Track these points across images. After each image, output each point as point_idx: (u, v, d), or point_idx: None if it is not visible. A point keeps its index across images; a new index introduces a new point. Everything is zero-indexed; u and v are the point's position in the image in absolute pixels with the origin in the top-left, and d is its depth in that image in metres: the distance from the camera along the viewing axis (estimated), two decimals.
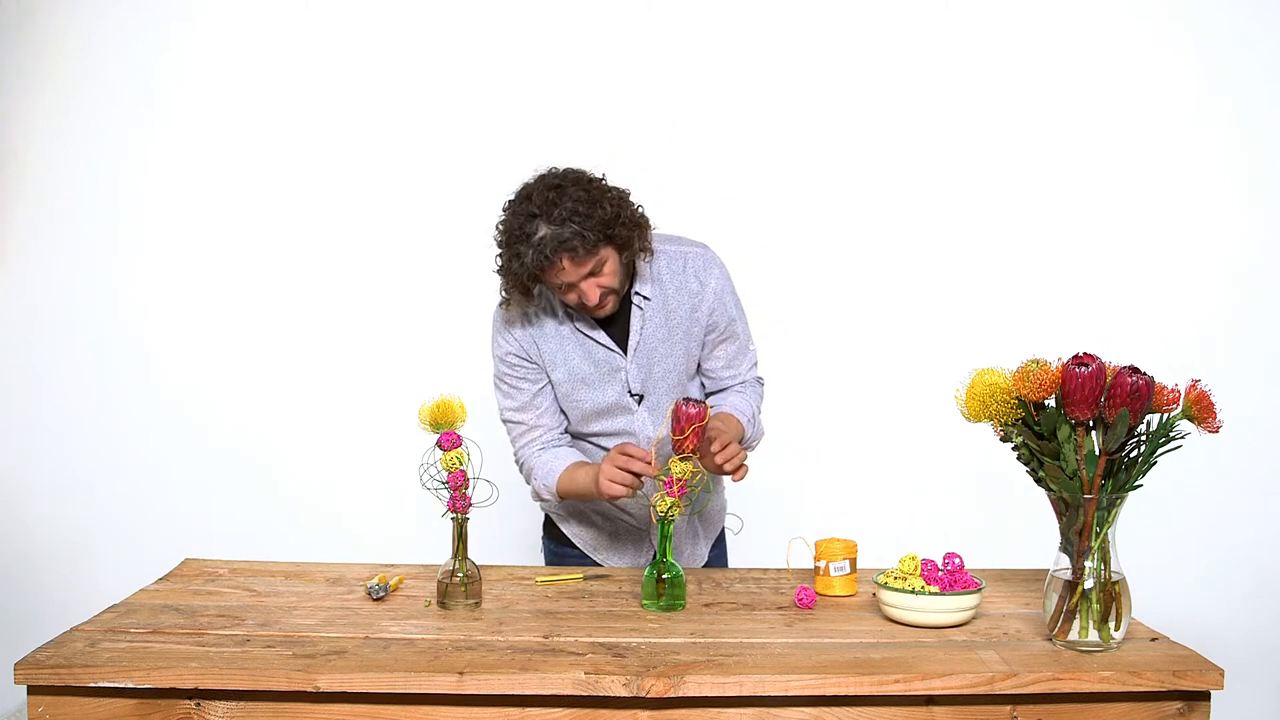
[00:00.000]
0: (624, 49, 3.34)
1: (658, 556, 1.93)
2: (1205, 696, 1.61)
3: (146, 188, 3.41)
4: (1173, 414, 1.67)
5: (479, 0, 3.36)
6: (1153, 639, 1.75)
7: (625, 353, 2.15)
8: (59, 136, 3.39)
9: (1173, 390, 1.67)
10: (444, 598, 1.92)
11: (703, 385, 2.30)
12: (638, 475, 1.97)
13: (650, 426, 2.18)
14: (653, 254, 2.11)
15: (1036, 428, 1.69)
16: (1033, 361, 1.67)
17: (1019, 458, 1.74)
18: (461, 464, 1.92)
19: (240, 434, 3.41)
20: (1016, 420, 1.69)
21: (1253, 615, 3.23)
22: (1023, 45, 3.29)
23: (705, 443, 1.95)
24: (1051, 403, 1.68)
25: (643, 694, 1.57)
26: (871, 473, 3.34)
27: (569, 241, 1.93)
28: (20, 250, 3.41)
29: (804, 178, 3.36)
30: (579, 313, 2.12)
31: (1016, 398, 1.67)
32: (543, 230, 1.94)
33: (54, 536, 3.42)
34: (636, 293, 2.13)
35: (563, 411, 2.23)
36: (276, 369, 3.42)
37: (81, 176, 3.40)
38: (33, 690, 1.61)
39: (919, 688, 1.58)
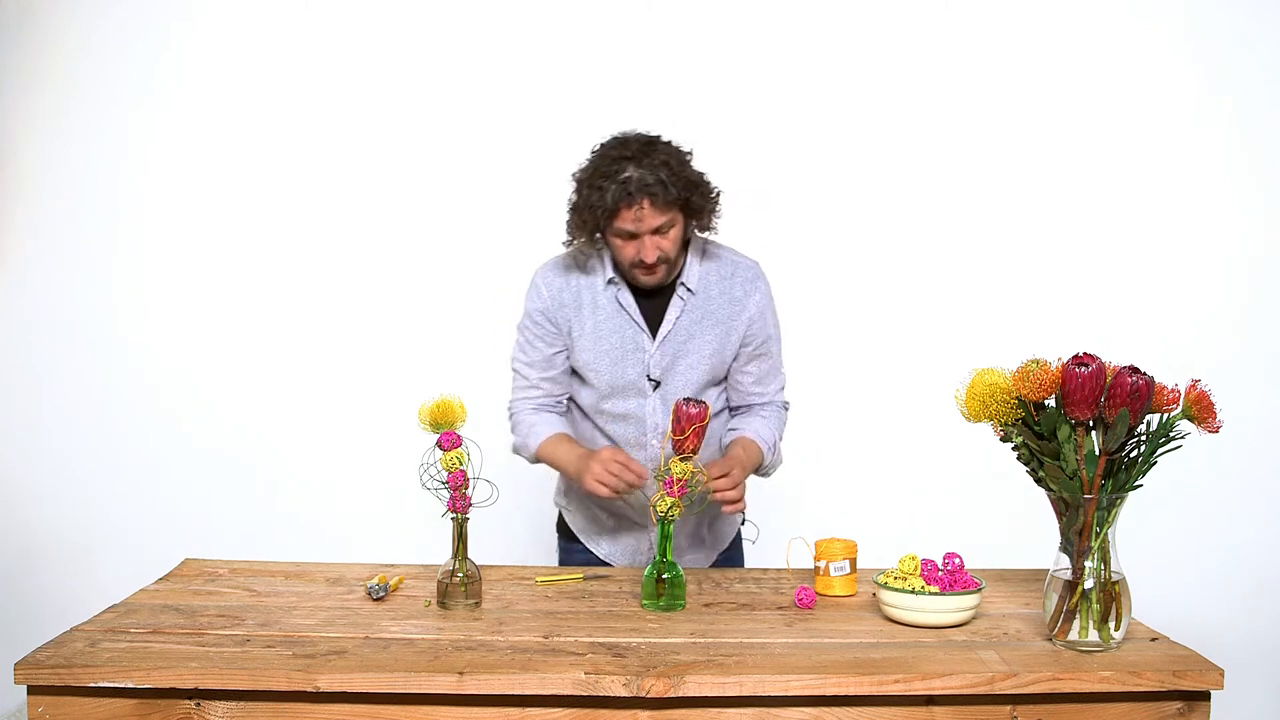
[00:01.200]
0: (624, 49, 3.34)
1: (657, 556, 1.93)
2: (1205, 696, 1.61)
3: (146, 188, 3.41)
4: (1173, 414, 1.67)
5: (479, 1, 3.36)
6: (1153, 639, 1.75)
7: (654, 336, 2.18)
8: (59, 136, 3.39)
9: (1173, 390, 1.67)
10: (444, 598, 1.92)
11: (726, 398, 2.30)
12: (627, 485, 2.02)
13: (660, 414, 2.19)
14: (710, 238, 2.19)
15: (1036, 428, 1.69)
16: (1033, 361, 1.67)
17: (1019, 458, 1.74)
18: (461, 464, 1.92)
19: (240, 434, 3.41)
20: (1016, 420, 1.69)
21: (1253, 615, 3.23)
22: (1023, 46, 3.29)
23: (726, 463, 2.01)
24: (1051, 403, 1.68)
25: (643, 694, 1.57)
26: (871, 473, 3.33)
27: (653, 186, 2.00)
28: (20, 250, 3.41)
29: (804, 178, 3.36)
30: (625, 281, 2.16)
31: (1016, 398, 1.67)
32: (631, 171, 2.01)
33: (54, 536, 3.42)
34: (682, 283, 2.17)
35: (576, 379, 2.25)
36: (277, 369, 3.42)
37: (81, 176, 3.40)
38: (33, 690, 1.61)
39: (919, 688, 1.58)
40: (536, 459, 2.25)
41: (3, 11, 3.36)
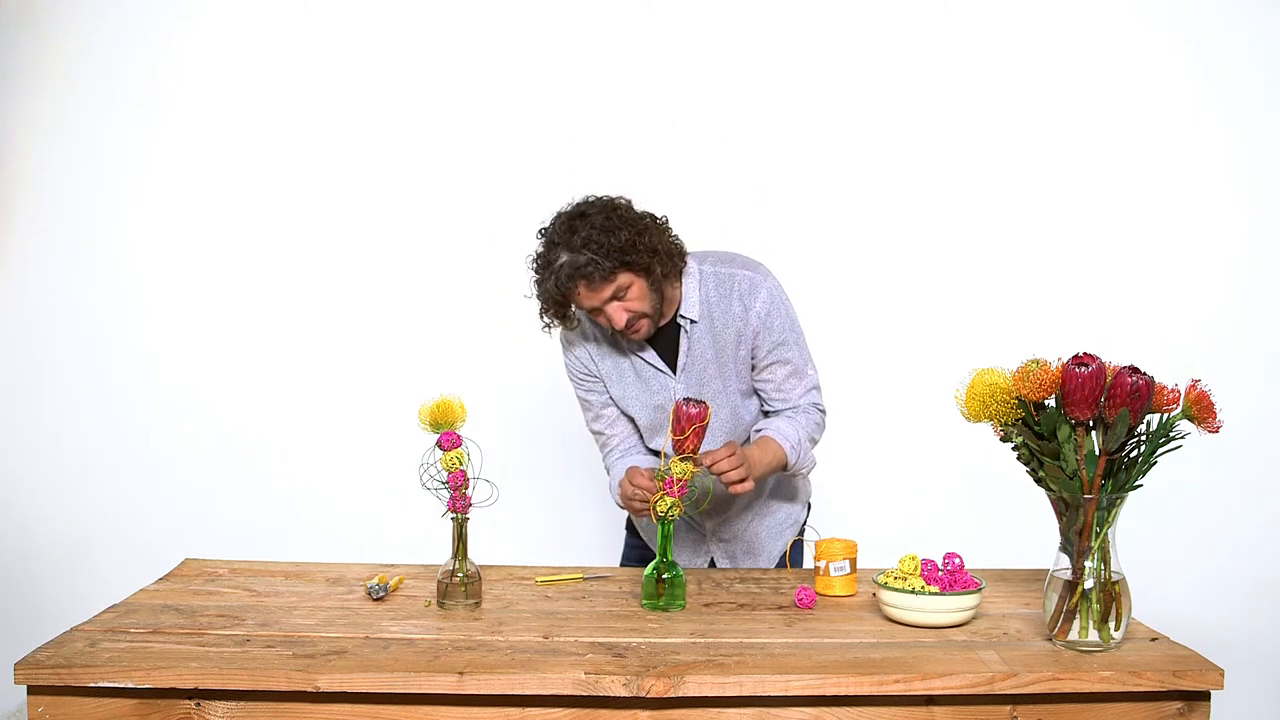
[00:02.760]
0: (624, 49, 3.34)
1: (658, 556, 1.93)
2: (1205, 696, 1.61)
3: (146, 188, 3.41)
4: (1173, 414, 1.67)
5: (479, 1, 3.36)
6: (1153, 639, 1.75)
7: (675, 372, 2.19)
8: (59, 136, 3.39)
9: (1173, 390, 1.67)
10: (444, 598, 1.92)
11: (762, 410, 2.31)
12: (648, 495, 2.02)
13: (707, 443, 2.13)
14: (682, 278, 2.16)
15: (1036, 428, 1.69)
16: (1033, 361, 1.67)
17: (1019, 458, 1.74)
18: (461, 464, 1.92)
19: (240, 434, 3.41)
20: (1016, 420, 1.69)
21: (1253, 615, 3.23)
22: (1022, 46, 3.29)
23: (728, 445, 2.01)
24: (1051, 403, 1.68)
25: (643, 694, 1.57)
26: (871, 473, 3.33)
27: (584, 268, 1.99)
28: (21, 250, 3.41)
29: (804, 178, 3.36)
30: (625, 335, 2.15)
31: (1016, 398, 1.67)
32: (563, 257, 2.01)
33: (54, 536, 3.42)
34: (683, 315, 2.17)
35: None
36: (277, 369, 3.42)
37: (81, 176, 3.40)
38: (33, 690, 1.61)
39: (919, 688, 1.58)
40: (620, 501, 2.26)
41: (3, 11, 3.36)
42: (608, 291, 2.03)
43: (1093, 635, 1.68)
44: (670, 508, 1.90)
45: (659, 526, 1.93)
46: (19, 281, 3.42)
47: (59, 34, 3.38)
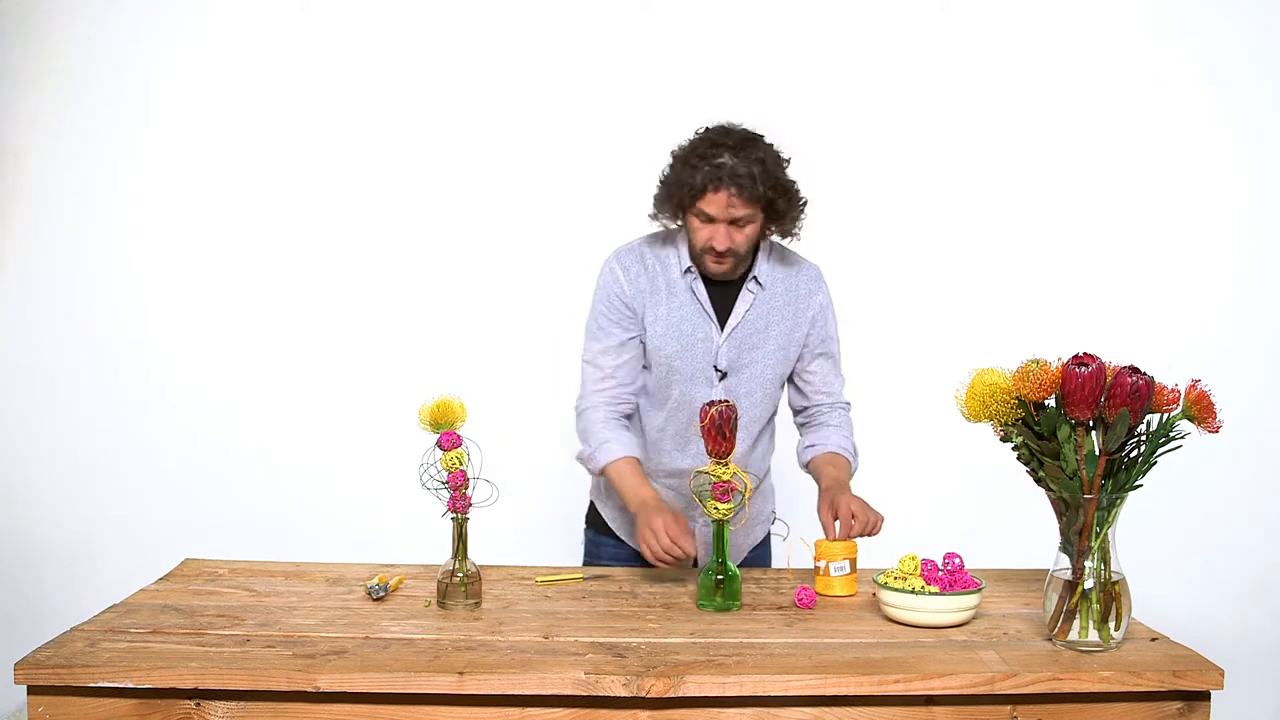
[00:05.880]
0: (622, 49, 3.34)
1: (714, 558, 1.93)
2: (1205, 696, 1.61)
3: (147, 188, 3.40)
4: (1173, 414, 1.67)
5: (477, 1, 3.36)
6: (1153, 639, 1.75)
7: (723, 328, 2.21)
8: (59, 136, 3.39)
9: (1173, 390, 1.67)
10: (444, 598, 1.92)
11: (789, 399, 2.35)
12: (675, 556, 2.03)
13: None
14: (788, 243, 2.25)
15: (1036, 428, 1.69)
16: (1033, 361, 1.67)
17: (1019, 458, 1.74)
18: (461, 464, 1.92)
19: (240, 434, 3.41)
20: (1016, 420, 1.69)
21: (1252, 615, 3.23)
22: (1022, 46, 3.29)
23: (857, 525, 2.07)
24: (1051, 403, 1.68)
25: (643, 694, 1.57)
26: (871, 473, 3.32)
27: (742, 178, 2.04)
28: (20, 250, 3.41)
29: (803, 178, 3.34)
30: (698, 268, 2.19)
31: (1016, 398, 1.67)
32: (727, 159, 2.05)
33: (54, 536, 3.42)
34: (753, 276, 2.21)
35: (646, 370, 2.26)
36: (277, 369, 3.42)
37: (81, 177, 3.40)
38: (33, 690, 1.61)
39: (919, 688, 1.58)
40: (601, 474, 2.22)
41: (3, 11, 3.36)
42: (744, 211, 2.08)
43: (1093, 635, 1.68)
44: (725, 511, 1.90)
45: (714, 528, 1.93)
46: (19, 281, 3.42)
47: (59, 34, 3.38)
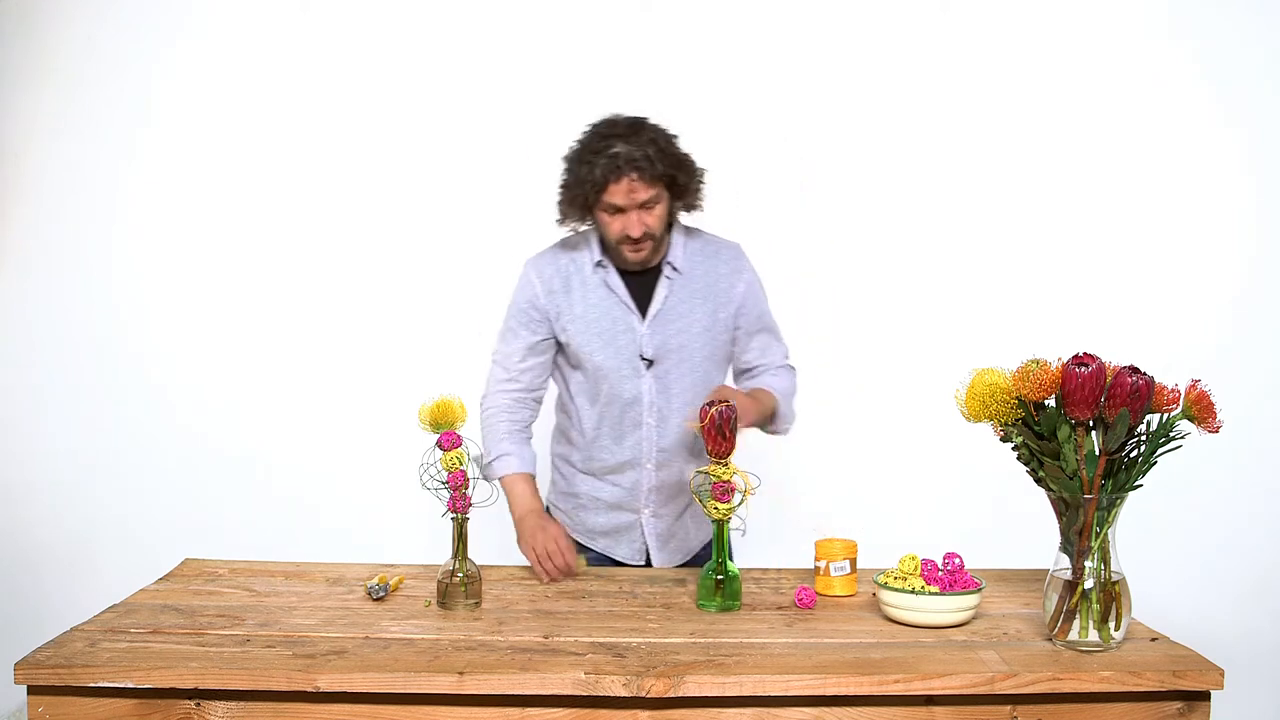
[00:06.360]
0: (622, 50, 3.34)
1: (714, 558, 1.93)
2: (1205, 696, 1.61)
3: (146, 188, 3.40)
4: (1173, 414, 1.67)
5: (476, 2, 3.36)
6: (1153, 639, 1.75)
7: (644, 316, 2.22)
8: (59, 136, 3.39)
9: (1173, 390, 1.67)
10: (444, 598, 1.92)
11: (738, 374, 2.37)
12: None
13: (656, 393, 2.22)
14: (672, 231, 2.25)
15: (1036, 428, 1.69)
16: (1033, 361, 1.67)
17: (1019, 458, 1.74)
18: (461, 464, 1.92)
19: (240, 434, 3.41)
20: (1016, 420, 1.69)
21: (1252, 615, 3.23)
22: (1022, 45, 3.29)
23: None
24: (1051, 403, 1.68)
25: (643, 694, 1.57)
26: (871, 473, 3.33)
27: (639, 161, 2.08)
28: (20, 250, 3.41)
29: (803, 178, 3.36)
30: (613, 263, 2.22)
31: (1016, 398, 1.67)
32: (620, 147, 2.09)
33: (54, 536, 3.42)
34: (668, 262, 2.23)
35: (569, 366, 2.29)
36: (277, 369, 3.42)
37: (81, 177, 3.40)
38: (33, 690, 1.61)
39: (919, 688, 1.58)
40: (494, 480, 2.26)
41: (3, 11, 3.36)
42: (649, 193, 2.10)
43: (1093, 635, 1.68)
44: (726, 512, 1.90)
45: (714, 527, 1.93)
46: (19, 281, 3.42)
47: (59, 34, 3.38)
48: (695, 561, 2.36)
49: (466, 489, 1.93)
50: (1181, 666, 1.61)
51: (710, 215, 3.28)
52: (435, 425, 1.93)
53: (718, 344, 2.27)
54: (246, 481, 3.40)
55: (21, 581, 3.40)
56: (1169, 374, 1.71)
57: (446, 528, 1.97)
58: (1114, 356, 1.70)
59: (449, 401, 1.95)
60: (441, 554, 2.05)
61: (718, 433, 1.90)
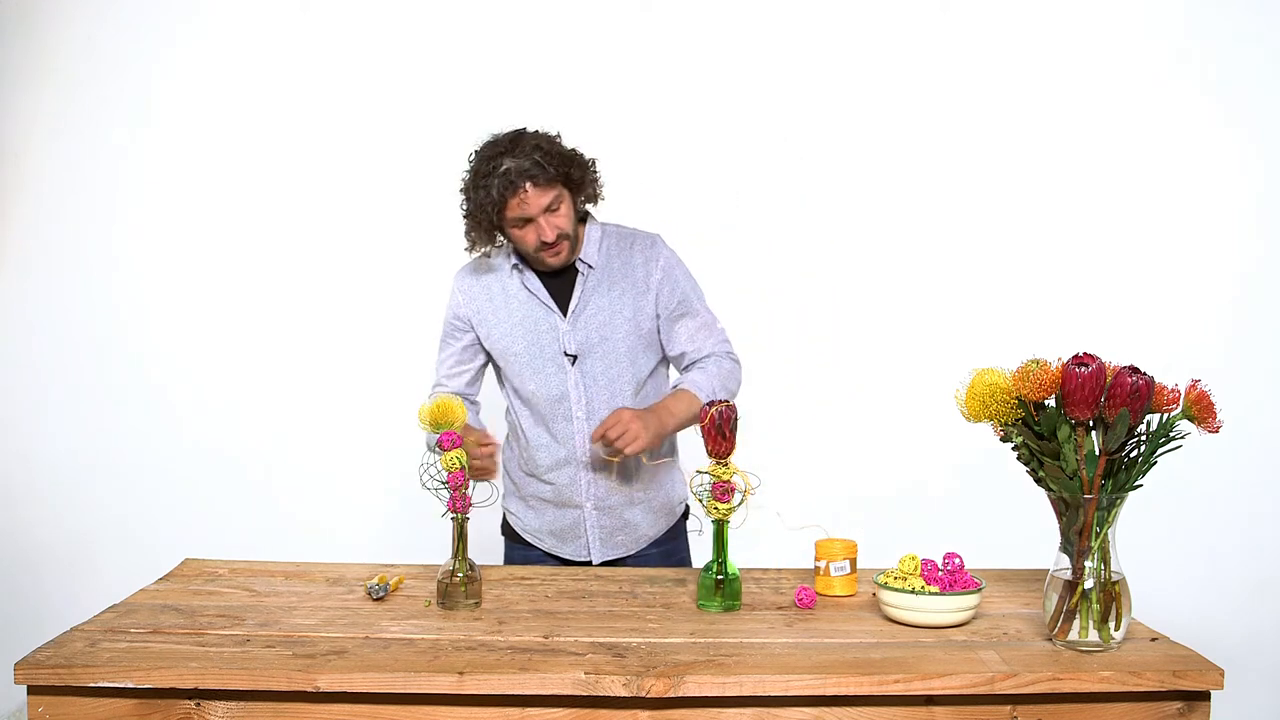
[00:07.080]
0: (621, 49, 3.34)
1: (714, 558, 1.93)
2: (1205, 696, 1.61)
3: (146, 188, 3.41)
4: (1173, 414, 1.67)
5: (476, 3, 3.36)
6: (1153, 639, 1.75)
7: (565, 314, 2.26)
8: (59, 136, 3.39)
9: (1173, 390, 1.67)
10: (444, 598, 1.92)
11: (674, 366, 2.37)
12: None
13: (583, 388, 2.26)
14: (586, 226, 2.30)
15: (1036, 428, 1.69)
16: (1033, 361, 1.67)
17: (1019, 458, 1.74)
18: (461, 464, 1.92)
19: (240, 434, 3.41)
20: (1016, 420, 1.69)
21: (1253, 615, 3.23)
22: (1022, 46, 3.29)
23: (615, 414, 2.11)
24: (1051, 403, 1.68)
25: (643, 694, 1.57)
26: (872, 473, 3.33)
27: (530, 170, 2.11)
28: (20, 250, 3.41)
29: (802, 177, 3.36)
30: (529, 268, 2.27)
31: (1016, 398, 1.67)
32: (508, 163, 2.13)
33: (54, 536, 3.42)
34: (581, 260, 2.27)
35: (501, 373, 2.34)
36: (277, 369, 3.42)
37: (81, 177, 3.40)
38: (33, 690, 1.61)
39: (919, 688, 1.58)
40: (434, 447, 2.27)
41: (3, 11, 3.36)
42: (547, 199, 2.14)
43: (1093, 635, 1.68)
44: (726, 512, 1.90)
45: (714, 528, 1.93)
46: (19, 281, 3.42)
47: (59, 34, 3.38)
48: (649, 554, 2.38)
49: (466, 489, 1.93)
50: (1181, 666, 1.61)
51: (710, 215, 3.30)
52: (435, 425, 1.93)
53: (642, 334, 2.30)
54: (246, 481, 3.40)
55: (21, 581, 3.40)
56: (1169, 374, 1.71)
57: (446, 528, 1.97)
58: (1114, 356, 1.70)
59: (449, 401, 1.95)
60: (441, 554, 2.05)
61: (718, 433, 1.89)
